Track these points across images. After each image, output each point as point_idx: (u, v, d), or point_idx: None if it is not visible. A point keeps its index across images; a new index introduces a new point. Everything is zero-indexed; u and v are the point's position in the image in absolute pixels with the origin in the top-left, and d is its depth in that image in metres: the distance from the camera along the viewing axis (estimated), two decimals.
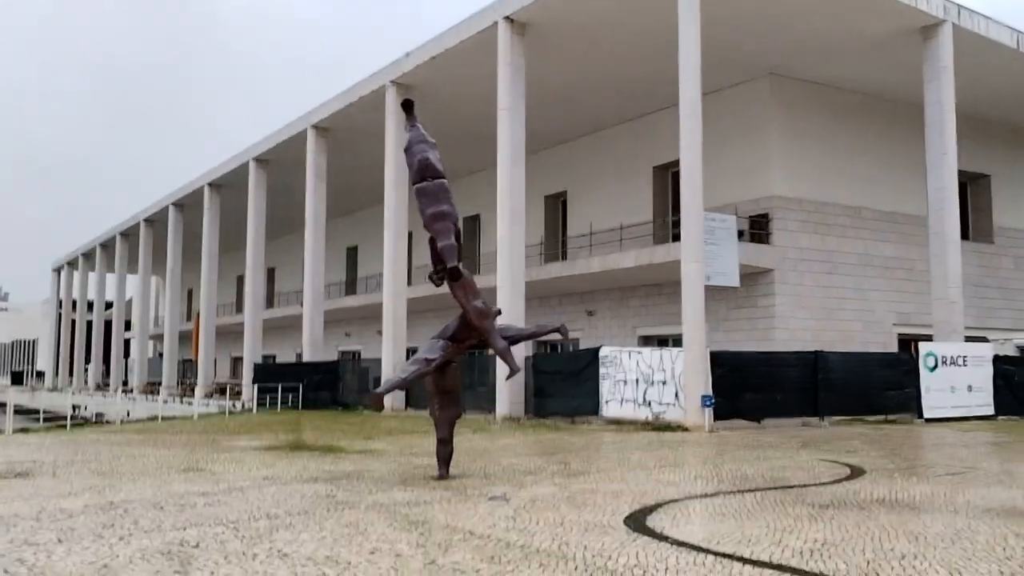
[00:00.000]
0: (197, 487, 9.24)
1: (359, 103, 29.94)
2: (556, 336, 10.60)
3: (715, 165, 24.93)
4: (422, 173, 9.77)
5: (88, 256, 66.50)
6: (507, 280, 22.91)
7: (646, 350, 19.49)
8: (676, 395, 18.41)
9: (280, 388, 27.99)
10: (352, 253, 47.64)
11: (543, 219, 34.07)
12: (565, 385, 21.26)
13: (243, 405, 30.11)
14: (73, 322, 67.88)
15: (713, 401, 17.67)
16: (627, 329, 29.57)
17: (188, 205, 47.30)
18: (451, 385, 10.12)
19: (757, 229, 24.99)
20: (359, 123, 30.99)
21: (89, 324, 64.01)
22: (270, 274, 55.13)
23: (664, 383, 18.63)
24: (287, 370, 29.23)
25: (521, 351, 23.00)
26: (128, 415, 27.63)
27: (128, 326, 66.10)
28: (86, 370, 64.32)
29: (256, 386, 28.49)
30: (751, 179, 25.65)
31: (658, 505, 7.97)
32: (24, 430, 18.31)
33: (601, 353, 20.23)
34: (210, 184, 43.36)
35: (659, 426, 18.10)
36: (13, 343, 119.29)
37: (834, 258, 25.63)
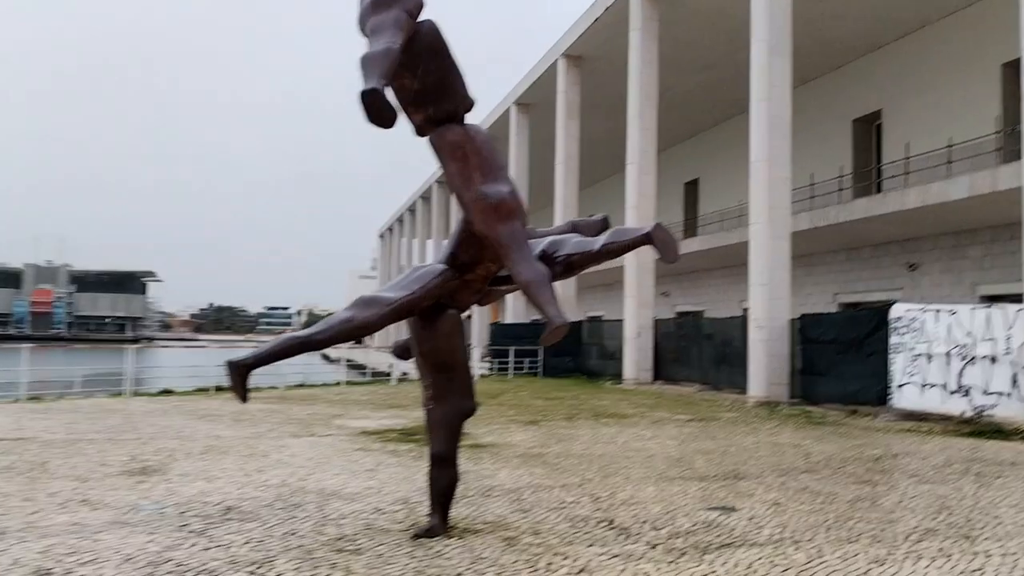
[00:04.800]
0: (62, 517, 5.42)
1: (606, 18, 24.99)
2: (648, 248, 5.30)
3: None
4: None
5: (402, 220, 67.67)
6: (762, 217, 16.88)
7: (963, 308, 12.59)
8: (1014, 380, 11.52)
9: (511, 352, 24.35)
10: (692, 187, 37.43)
11: (850, 148, 26.67)
12: (841, 360, 14.96)
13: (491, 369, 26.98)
14: None
15: None
16: (964, 287, 21.74)
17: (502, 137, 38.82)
18: (445, 352, 5.20)
19: None
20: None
21: None
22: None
23: (993, 360, 11.78)
24: (525, 332, 25.52)
25: (783, 311, 16.81)
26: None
27: None
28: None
29: (491, 350, 25.17)
30: None
31: None
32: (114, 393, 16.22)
33: (892, 314, 13.68)
34: (518, 103, 34.18)
35: (981, 428, 11.42)
36: None
37: None
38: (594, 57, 27.59)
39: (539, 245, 5.28)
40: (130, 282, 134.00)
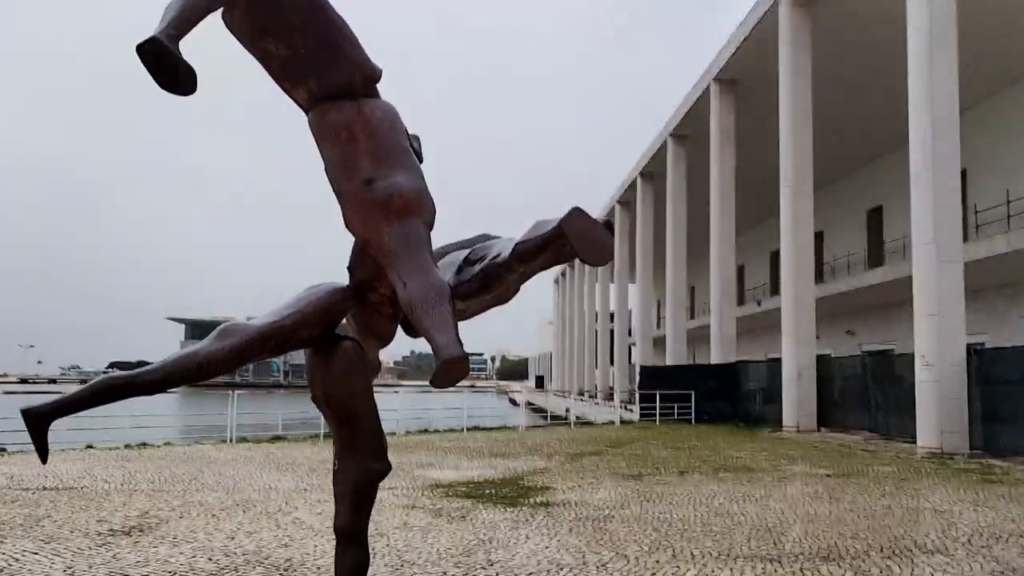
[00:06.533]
0: None
1: (757, 35, 23.11)
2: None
3: None
4: None
5: (573, 265, 64.51)
6: (927, 237, 14.41)
7: None
8: None
9: (658, 396, 22.58)
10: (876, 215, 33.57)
11: None
12: None
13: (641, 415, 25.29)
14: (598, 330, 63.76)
15: None
16: None
17: (660, 173, 35.13)
18: (341, 397, 4.01)
19: None
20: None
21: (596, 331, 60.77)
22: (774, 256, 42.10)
23: None
24: (676, 374, 23.65)
25: (957, 347, 14.17)
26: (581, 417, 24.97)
27: (629, 332, 59.23)
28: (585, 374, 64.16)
29: (639, 393, 23.54)
30: None
31: None
32: (277, 438, 16.06)
33: None
34: (673, 135, 32.17)
35: None
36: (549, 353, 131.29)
37: None
38: (749, 80, 25.61)
39: (462, 253, 4.05)
40: None
